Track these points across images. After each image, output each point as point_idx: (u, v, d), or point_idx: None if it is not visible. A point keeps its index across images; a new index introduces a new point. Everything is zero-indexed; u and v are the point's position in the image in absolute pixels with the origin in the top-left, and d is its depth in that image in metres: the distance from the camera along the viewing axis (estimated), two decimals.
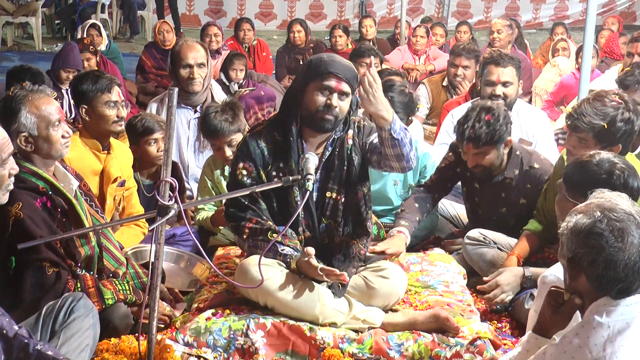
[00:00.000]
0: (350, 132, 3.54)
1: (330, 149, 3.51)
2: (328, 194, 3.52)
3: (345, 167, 3.51)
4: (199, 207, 4.53)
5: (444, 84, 6.93)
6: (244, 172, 3.46)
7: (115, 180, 4.24)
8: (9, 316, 2.75)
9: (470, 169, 4.25)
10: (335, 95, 3.39)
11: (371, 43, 9.45)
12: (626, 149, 3.71)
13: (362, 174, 3.57)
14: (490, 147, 4.08)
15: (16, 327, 2.72)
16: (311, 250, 3.30)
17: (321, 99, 3.39)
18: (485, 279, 3.81)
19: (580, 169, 3.19)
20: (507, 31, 8.61)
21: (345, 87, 3.40)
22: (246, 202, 3.45)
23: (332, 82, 3.38)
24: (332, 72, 3.38)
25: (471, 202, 4.46)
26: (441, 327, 3.33)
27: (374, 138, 3.50)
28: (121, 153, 4.39)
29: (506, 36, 8.60)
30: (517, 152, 4.24)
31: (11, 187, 2.78)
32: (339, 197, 3.53)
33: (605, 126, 3.60)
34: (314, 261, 3.28)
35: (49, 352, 2.69)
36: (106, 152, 4.25)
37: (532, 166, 4.21)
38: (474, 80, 6.25)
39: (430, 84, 7.01)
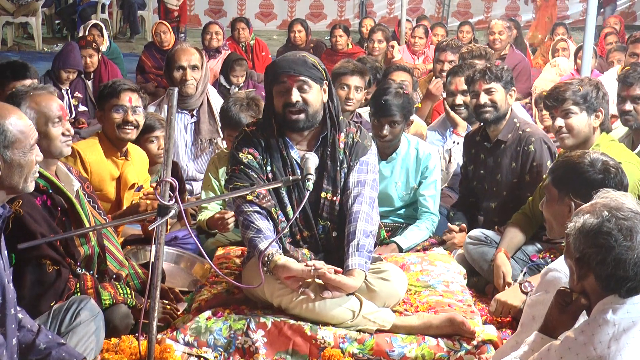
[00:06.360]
0: (342, 135, 3.54)
1: (320, 147, 3.51)
2: (323, 195, 3.52)
3: (338, 168, 3.51)
4: (202, 205, 4.51)
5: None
6: (249, 156, 3.47)
7: (132, 186, 4.27)
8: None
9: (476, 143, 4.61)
10: (293, 90, 3.40)
11: None
12: None
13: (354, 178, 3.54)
14: (497, 83, 4.42)
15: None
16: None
17: (281, 100, 3.44)
18: (490, 309, 3.78)
19: (572, 171, 3.17)
20: (507, 33, 8.63)
21: (301, 78, 3.41)
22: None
23: (285, 81, 3.42)
24: (281, 72, 3.43)
25: (478, 177, 4.62)
26: (457, 331, 3.31)
27: (357, 173, 3.51)
28: (138, 159, 4.43)
29: (506, 38, 8.61)
30: (515, 120, 4.51)
31: (37, 175, 2.78)
32: (334, 199, 3.53)
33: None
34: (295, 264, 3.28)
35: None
36: (123, 158, 4.28)
37: (524, 130, 4.45)
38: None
39: (419, 86, 6.96)
